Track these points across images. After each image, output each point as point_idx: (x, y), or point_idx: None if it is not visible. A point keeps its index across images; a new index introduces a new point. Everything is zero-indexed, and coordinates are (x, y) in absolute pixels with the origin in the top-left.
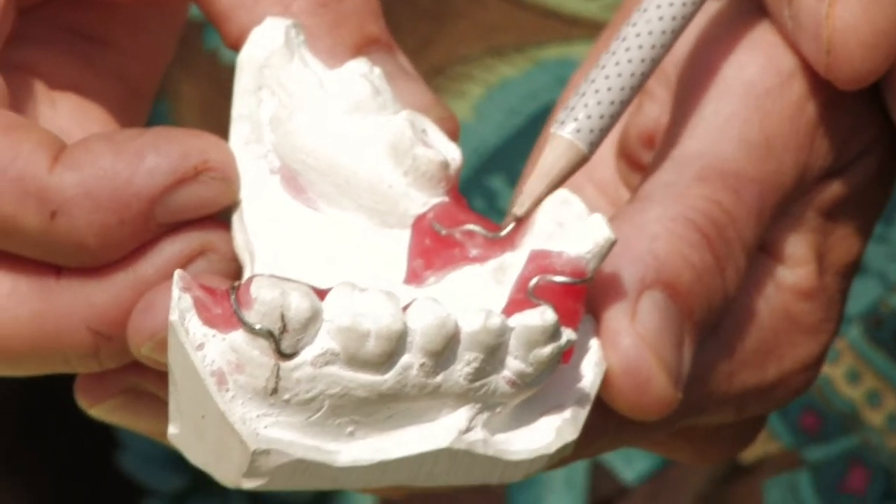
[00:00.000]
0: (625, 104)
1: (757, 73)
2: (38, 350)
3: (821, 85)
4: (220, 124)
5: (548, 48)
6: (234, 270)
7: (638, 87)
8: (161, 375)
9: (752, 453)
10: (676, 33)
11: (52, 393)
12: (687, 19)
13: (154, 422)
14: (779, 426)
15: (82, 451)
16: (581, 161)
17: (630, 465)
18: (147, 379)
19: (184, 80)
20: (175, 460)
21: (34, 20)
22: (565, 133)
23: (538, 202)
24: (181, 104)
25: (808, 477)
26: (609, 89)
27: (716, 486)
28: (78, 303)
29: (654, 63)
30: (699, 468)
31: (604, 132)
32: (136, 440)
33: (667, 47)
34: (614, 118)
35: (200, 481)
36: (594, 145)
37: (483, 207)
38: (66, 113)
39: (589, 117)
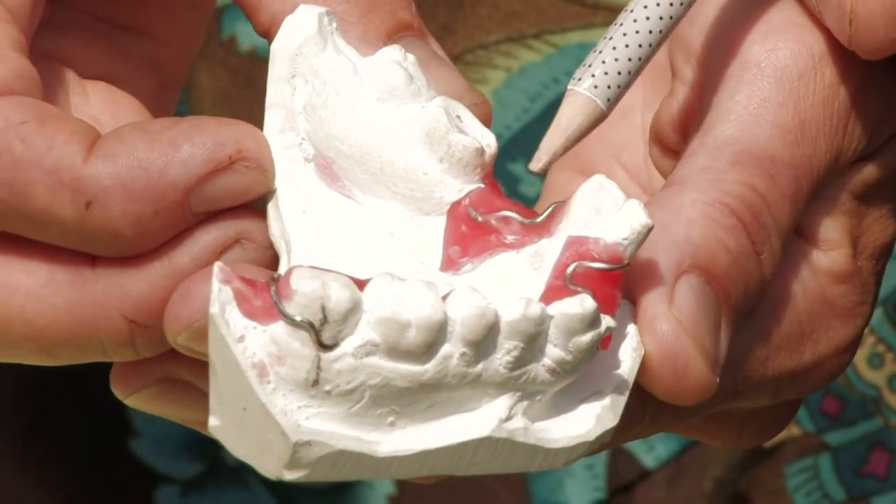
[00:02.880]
0: (644, 61)
1: (790, 56)
2: (74, 339)
3: (852, 67)
4: (234, 113)
5: (569, 34)
6: (270, 259)
7: (657, 45)
8: (197, 364)
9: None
10: None
11: (67, 381)
12: None
13: (190, 411)
14: (800, 410)
15: (97, 439)
16: (599, 117)
17: (650, 449)
18: (183, 368)
19: (199, 67)
20: (189, 447)
21: (65, 9)
22: (582, 89)
23: (555, 158)
24: (196, 92)
25: (829, 461)
26: (627, 46)
27: (736, 471)
28: (113, 292)
29: (674, 21)
30: (719, 452)
31: (622, 89)
32: (150, 427)
33: (686, 5)
34: (633, 75)
35: (215, 468)
36: (612, 102)
37: (504, 193)
38: (97, 102)
39: (606, 73)
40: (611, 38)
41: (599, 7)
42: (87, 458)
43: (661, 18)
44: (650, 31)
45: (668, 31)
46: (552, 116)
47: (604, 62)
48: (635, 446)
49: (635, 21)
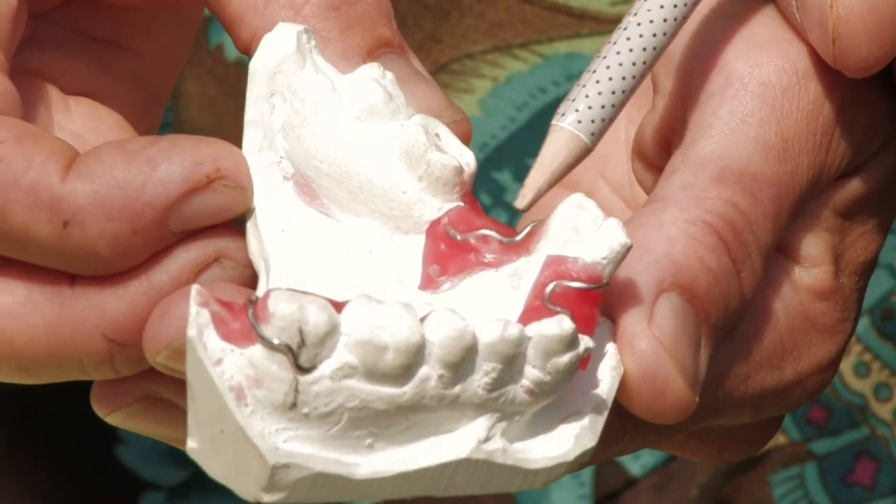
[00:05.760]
0: (628, 94)
1: (773, 72)
2: (53, 357)
3: (837, 84)
4: (222, 121)
5: (556, 44)
6: (249, 277)
7: (641, 77)
8: (177, 382)
9: None
10: (679, 22)
11: (52, 388)
12: (690, 7)
13: (172, 428)
14: (786, 419)
15: (83, 446)
16: (583, 152)
17: (637, 457)
18: (163, 386)
19: (186, 75)
20: (175, 454)
21: (48, 25)
22: (566, 124)
23: (540, 195)
24: (183, 100)
25: (815, 470)
26: (610, 79)
27: (722, 479)
28: (92, 310)
29: (658, 52)
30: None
31: (606, 122)
32: (136, 435)
33: (670, 36)
34: (617, 108)
35: (200, 474)
36: (596, 136)
37: (490, 202)
38: (80, 118)
39: (590, 108)
40: (594, 72)
41: (586, 17)
42: (73, 465)
43: (644, 50)
44: (633, 63)
45: (651, 62)
46: (538, 126)
47: (587, 96)
48: None
49: (618, 53)
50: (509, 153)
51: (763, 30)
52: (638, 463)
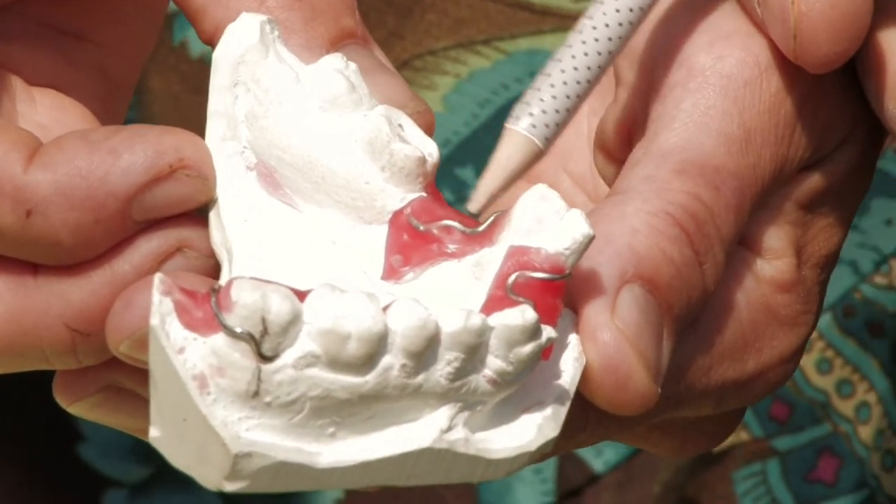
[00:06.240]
0: (581, 98)
1: (735, 65)
2: (15, 347)
3: (799, 77)
4: (187, 118)
5: (518, 40)
6: (212, 267)
7: (595, 81)
8: (140, 372)
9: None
10: (634, 25)
11: (12, 386)
12: (645, 11)
13: (134, 419)
14: (748, 415)
15: (44, 444)
16: (536, 156)
17: (599, 454)
18: (126, 375)
19: (150, 72)
20: (137, 451)
21: (11, 16)
22: (519, 128)
23: (493, 199)
24: (147, 97)
25: (777, 466)
26: (565, 83)
27: (685, 476)
28: (55, 300)
29: (612, 56)
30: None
31: (560, 126)
32: (97, 432)
33: (625, 39)
34: (570, 112)
35: (162, 471)
36: (549, 140)
37: (452, 198)
38: (45, 109)
39: (544, 112)
40: (549, 75)
41: (548, 13)
42: (34, 462)
43: (599, 54)
44: (588, 68)
45: (606, 65)
46: (501, 122)
47: (542, 100)
48: (584, 451)
49: (573, 58)
50: (472, 149)
51: (725, 23)
52: (600, 459)
